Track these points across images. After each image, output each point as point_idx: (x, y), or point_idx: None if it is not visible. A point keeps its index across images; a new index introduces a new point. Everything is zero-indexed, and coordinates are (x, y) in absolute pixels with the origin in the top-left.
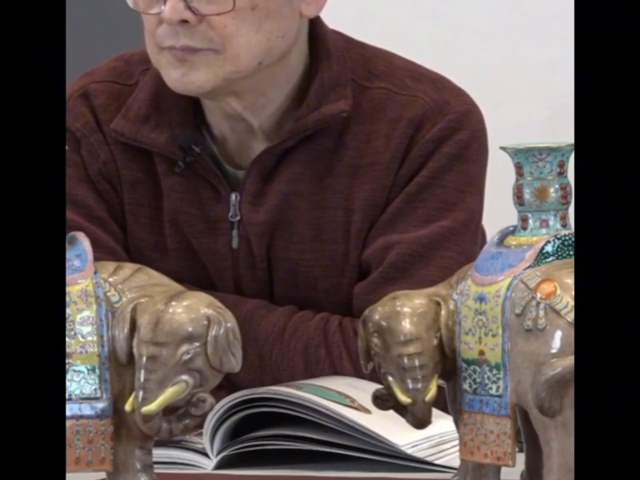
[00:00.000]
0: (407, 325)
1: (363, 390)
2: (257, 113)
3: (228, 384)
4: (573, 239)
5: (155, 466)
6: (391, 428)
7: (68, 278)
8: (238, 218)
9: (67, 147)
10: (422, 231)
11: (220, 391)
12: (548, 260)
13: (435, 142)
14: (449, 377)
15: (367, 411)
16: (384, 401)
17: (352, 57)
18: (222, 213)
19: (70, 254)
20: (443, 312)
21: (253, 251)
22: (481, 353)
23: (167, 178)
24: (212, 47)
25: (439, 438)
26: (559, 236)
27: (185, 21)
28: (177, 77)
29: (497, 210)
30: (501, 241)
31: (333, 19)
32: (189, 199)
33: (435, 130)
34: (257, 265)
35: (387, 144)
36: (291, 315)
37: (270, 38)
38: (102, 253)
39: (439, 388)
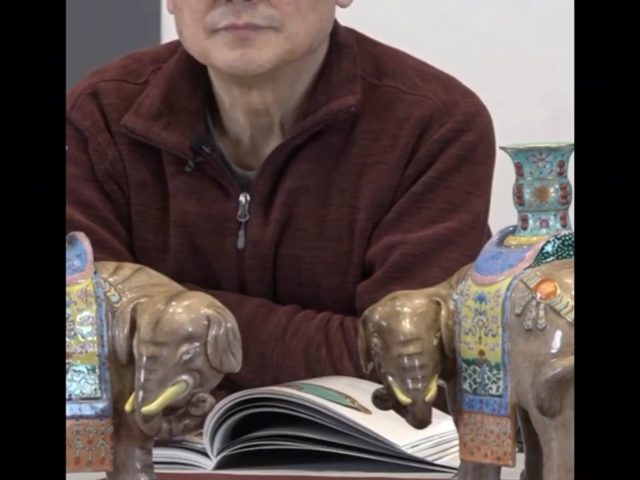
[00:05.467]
0: (406, 325)
1: (362, 390)
2: (281, 107)
3: (229, 383)
4: (573, 239)
5: (155, 466)
6: (391, 428)
7: (68, 278)
8: (246, 218)
9: (74, 146)
10: (426, 232)
11: (220, 391)
12: (548, 260)
13: (442, 142)
14: (449, 377)
15: (367, 411)
16: (384, 401)
17: (362, 54)
18: (230, 212)
19: (70, 254)
20: (443, 312)
21: (260, 251)
22: (481, 352)
23: (175, 178)
24: (273, 24)
25: (439, 438)
26: (559, 236)
27: None
28: (235, 57)
29: (497, 210)
30: (501, 241)
31: None
32: (197, 198)
33: (442, 130)
34: (263, 265)
35: (394, 143)
36: (293, 314)
37: (322, 19)
38: (106, 254)
39: (439, 388)
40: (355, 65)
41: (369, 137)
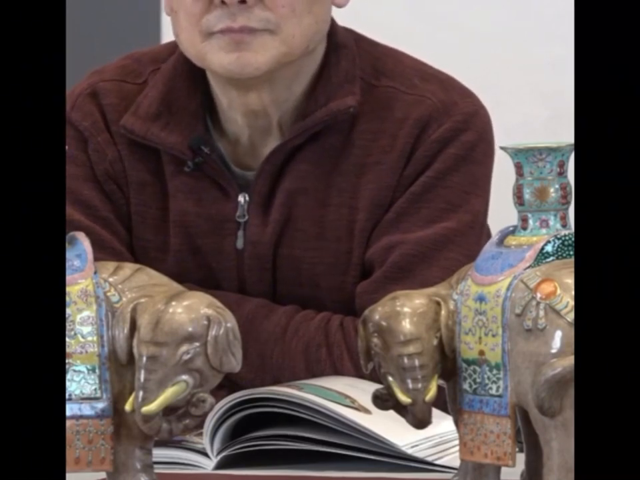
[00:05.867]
0: (407, 325)
1: (362, 390)
2: (279, 108)
3: (229, 383)
4: (573, 239)
5: (155, 466)
6: (391, 428)
7: (68, 278)
8: (245, 219)
9: (74, 146)
10: (426, 232)
11: (220, 391)
12: (548, 260)
13: (440, 142)
14: (449, 377)
15: (367, 411)
16: (384, 401)
17: (361, 54)
18: (229, 213)
19: (70, 254)
20: (443, 312)
21: (259, 251)
22: (481, 352)
23: (174, 178)
24: (268, 27)
25: (439, 438)
26: (559, 236)
27: (242, 2)
28: (231, 60)
29: (497, 210)
30: (501, 241)
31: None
32: (196, 199)
33: (441, 130)
34: (263, 266)
35: (392, 143)
36: (293, 314)
37: (317, 21)
38: (106, 254)
39: (439, 388)
40: (354, 66)
41: (368, 137)
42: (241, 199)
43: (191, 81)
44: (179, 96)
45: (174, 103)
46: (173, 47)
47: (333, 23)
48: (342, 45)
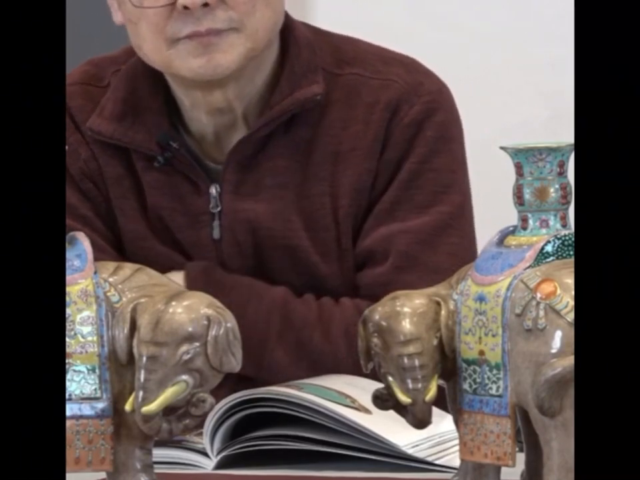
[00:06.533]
0: (407, 325)
1: (362, 389)
2: (244, 101)
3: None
4: (573, 239)
5: (155, 466)
6: (391, 428)
7: (68, 278)
8: (219, 209)
9: None
10: (424, 218)
11: (220, 391)
12: (548, 260)
13: (415, 125)
14: (449, 377)
15: (367, 411)
16: (384, 400)
17: (320, 45)
18: (202, 205)
19: (70, 254)
20: (443, 312)
21: (237, 239)
22: (481, 352)
23: (146, 174)
24: (233, 26)
25: (439, 438)
26: (559, 236)
27: (205, 5)
28: (201, 64)
29: (497, 210)
30: (501, 241)
31: (330, 20)
32: (169, 193)
33: (412, 112)
34: (242, 253)
35: (365, 128)
36: (317, 301)
37: (275, 12)
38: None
39: (439, 388)
40: (315, 56)
41: (338, 125)
42: (212, 190)
43: (152, 81)
44: (142, 96)
45: (137, 103)
46: (130, 50)
47: (289, 18)
48: (301, 37)
